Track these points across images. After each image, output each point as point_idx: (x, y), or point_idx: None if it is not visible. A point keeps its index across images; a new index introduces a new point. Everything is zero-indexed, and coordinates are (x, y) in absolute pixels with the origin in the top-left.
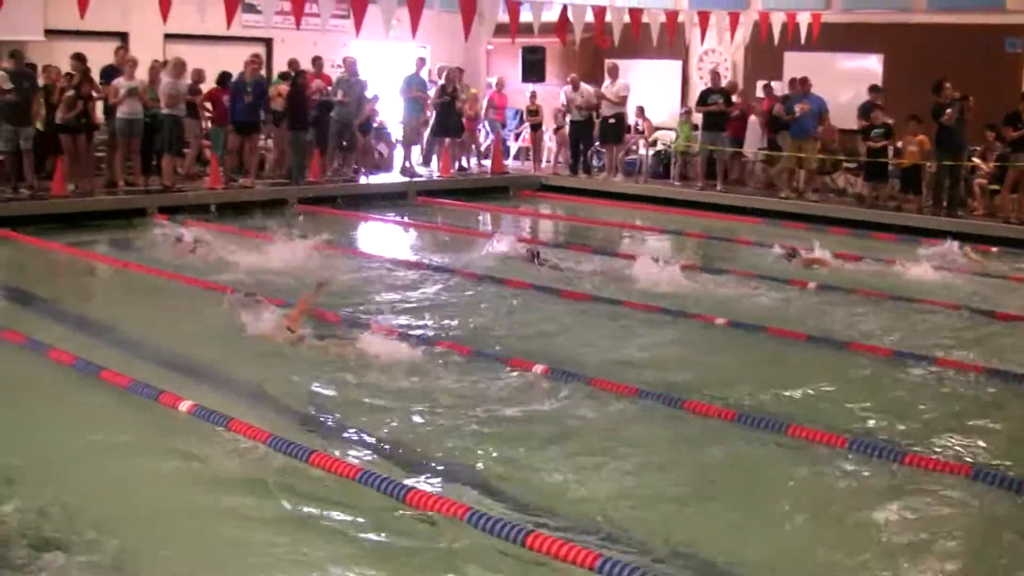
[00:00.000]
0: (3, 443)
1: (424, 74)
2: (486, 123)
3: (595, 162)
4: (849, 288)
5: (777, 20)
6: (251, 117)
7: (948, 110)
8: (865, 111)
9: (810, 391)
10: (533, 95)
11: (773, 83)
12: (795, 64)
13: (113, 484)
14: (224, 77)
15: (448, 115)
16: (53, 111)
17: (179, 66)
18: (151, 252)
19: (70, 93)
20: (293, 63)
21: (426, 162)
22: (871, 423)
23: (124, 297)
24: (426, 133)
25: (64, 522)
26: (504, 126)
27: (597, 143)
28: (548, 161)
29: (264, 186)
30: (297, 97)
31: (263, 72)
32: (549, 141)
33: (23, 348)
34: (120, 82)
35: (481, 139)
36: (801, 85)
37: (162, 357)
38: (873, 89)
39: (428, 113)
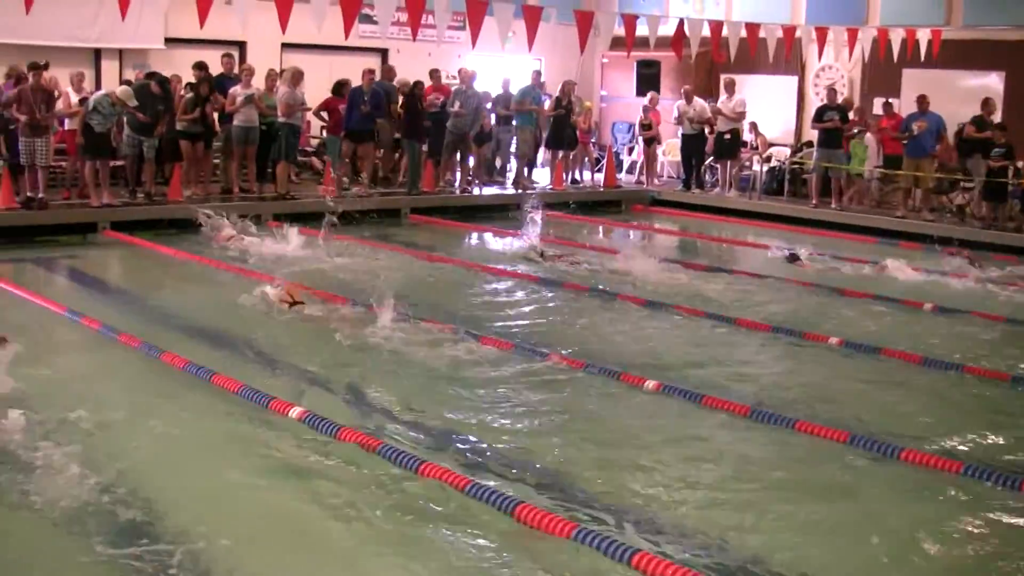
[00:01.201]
0: (117, 444)
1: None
2: (639, 140)
3: (707, 177)
4: (966, 310)
5: (896, 36)
6: (366, 126)
7: None
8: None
9: (925, 415)
10: (646, 109)
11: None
12: (913, 81)
13: (218, 487)
14: (339, 86)
15: (562, 128)
16: (174, 118)
17: (297, 76)
18: (263, 259)
19: (189, 95)
20: (434, 74)
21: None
22: (988, 449)
23: (237, 304)
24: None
25: (161, 516)
26: (659, 143)
27: (711, 158)
28: (661, 176)
29: (378, 195)
30: (413, 108)
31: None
32: (662, 156)
33: (137, 351)
34: (237, 90)
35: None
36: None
37: (276, 366)
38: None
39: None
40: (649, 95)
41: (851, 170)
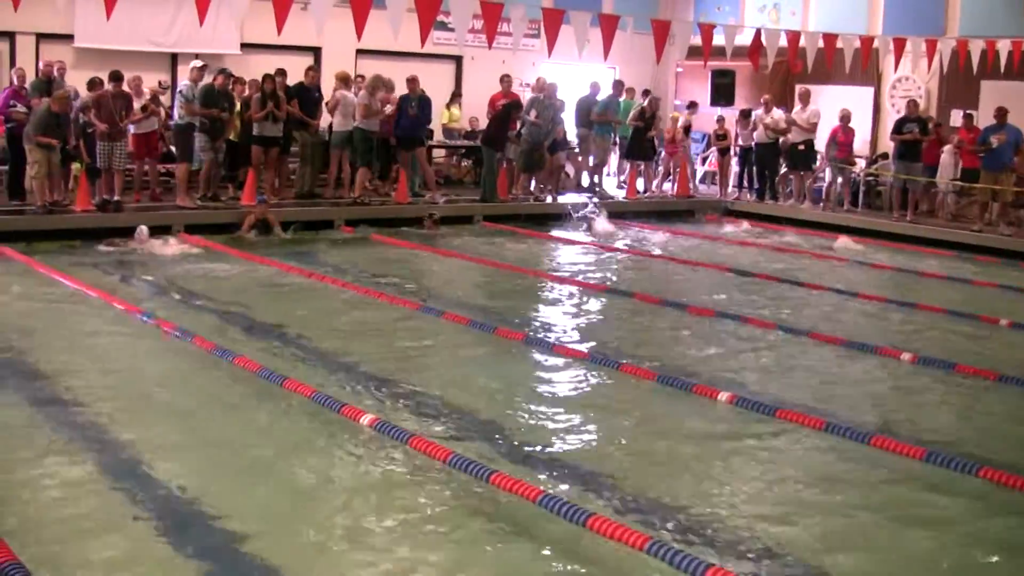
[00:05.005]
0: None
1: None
2: (828, 165)
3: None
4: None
5: (976, 47)
6: (414, 132)
7: None
8: None
9: (1006, 433)
10: (721, 119)
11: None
12: (992, 93)
13: (285, 492)
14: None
15: (641, 139)
16: (246, 124)
17: (383, 85)
18: (331, 261)
19: (257, 95)
20: (504, 79)
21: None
22: None
23: (309, 306)
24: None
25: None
26: (852, 164)
27: (784, 169)
28: (735, 186)
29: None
30: (503, 119)
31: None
32: (735, 166)
33: (211, 354)
34: (348, 95)
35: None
36: None
37: (343, 369)
38: None
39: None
40: (841, 111)
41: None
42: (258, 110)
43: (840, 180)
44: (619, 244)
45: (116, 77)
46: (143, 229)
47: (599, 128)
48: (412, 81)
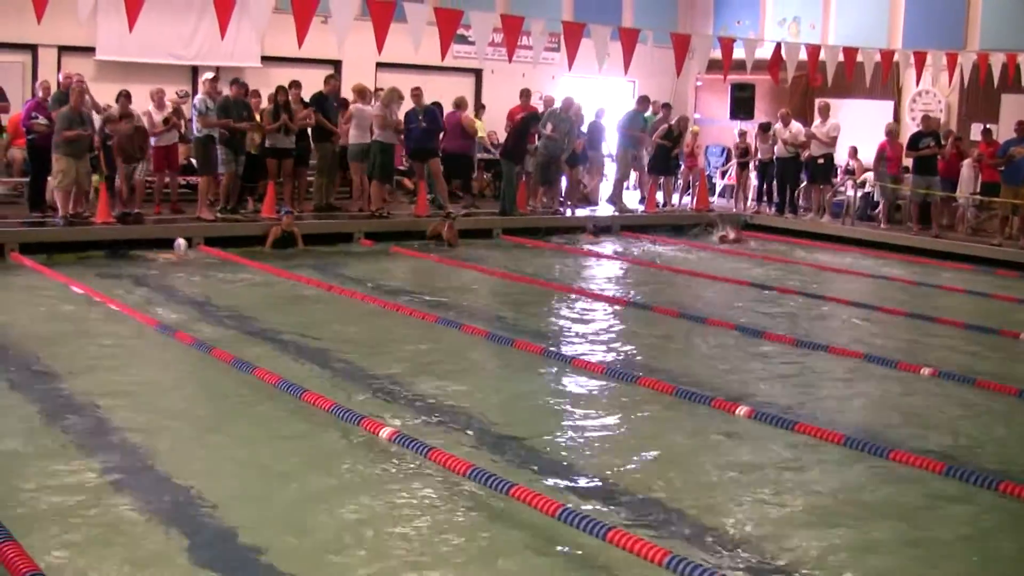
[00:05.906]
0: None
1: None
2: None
3: (800, 202)
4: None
5: (996, 61)
6: (426, 144)
7: None
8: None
9: None
10: (742, 133)
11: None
12: (1013, 106)
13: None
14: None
15: (666, 156)
16: (264, 135)
17: (399, 98)
18: (350, 273)
19: (269, 107)
20: (525, 93)
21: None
22: None
23: (328, 319)
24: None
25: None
26: (899, 181)
27: (804, 183)
28: (754, 200)
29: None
30: (521, 132)
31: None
32: (755, 180)
33: (230, 366)
34: (367, 109)
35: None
36: None
37: (362, 380)
38: None
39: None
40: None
41: None
42: (270, 122)
43: (880, 195)
44: (637, 257)
45: (127, 113)
46: (181, 243)
47: (625, 141)
48: (416, 92)
